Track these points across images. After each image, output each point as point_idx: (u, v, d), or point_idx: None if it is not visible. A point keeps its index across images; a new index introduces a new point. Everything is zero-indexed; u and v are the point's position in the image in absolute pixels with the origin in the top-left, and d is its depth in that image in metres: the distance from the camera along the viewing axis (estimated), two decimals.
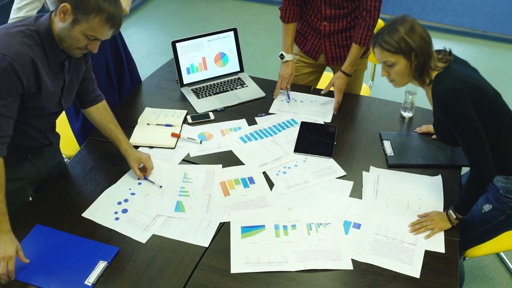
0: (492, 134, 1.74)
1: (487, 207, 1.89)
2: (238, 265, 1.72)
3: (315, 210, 1.92)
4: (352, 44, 2.43)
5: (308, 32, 2.57)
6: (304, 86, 2.69)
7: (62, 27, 1.67)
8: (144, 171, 2.06)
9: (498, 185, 1.85)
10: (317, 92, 2.60)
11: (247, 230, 1.85)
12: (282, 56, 2.54)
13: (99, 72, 2.55)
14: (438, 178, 2.05)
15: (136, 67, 2.80)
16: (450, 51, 1.85)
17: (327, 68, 2.74)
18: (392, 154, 2.16)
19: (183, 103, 2.53)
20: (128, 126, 2.30)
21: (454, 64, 1.81)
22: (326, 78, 2.93)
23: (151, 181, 2.03)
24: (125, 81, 2.71)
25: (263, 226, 1.86)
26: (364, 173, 2.09)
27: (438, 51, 1.84)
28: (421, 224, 1.83)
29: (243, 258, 1.74)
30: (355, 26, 2.44)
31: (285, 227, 1.85)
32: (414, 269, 1.70)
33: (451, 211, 1.82)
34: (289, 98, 2.50)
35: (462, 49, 4.63)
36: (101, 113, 2.08)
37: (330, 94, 2.56)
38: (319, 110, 2.46)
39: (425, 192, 1.98)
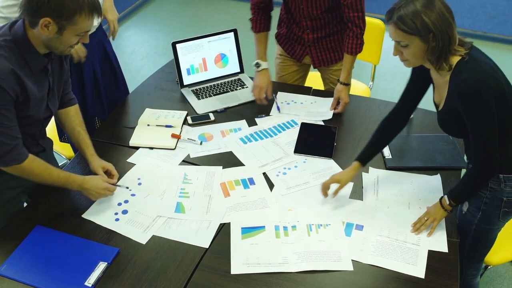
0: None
1: (465, 207, 1.87)
2: (238, 266, 1.72)
3: (315, 211, 1.92)
4: (344, 55, 2.41)
5: (293, 38, 2.58)
6: (304, 87, 2.69)
7: (49, 38, 1.64)
8: (110, 177, 2.00)
9: None
10: (317, 93, 2.60)
11: (247, 231, 1.85)
12: (258, 65, 2.49)
13: (88, 82, 2.55)
14: (437, 177, 2.05)
15: (125, 80, 2.81)
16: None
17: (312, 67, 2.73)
18: (390, 156, 2.16)
19: (183, 104, 2.53)
20: (128, 127, 2.29)
21: (475, 51, 1.67)
22: (313, 77, 2.93)
23: (118, 185, 1.99)
24: (114, 92, 2.72)
25: (263, 227, 1.86)
26: (363, 174, 2.09)
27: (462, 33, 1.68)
28: (421, 222, 1.83)
29: (243, 259, 1.74)
30: (340, 30, 2.45)
31: (285, 228, 1.85)
32: (418, 270, 1.70)
33: (446, 197, 1.81)
34: (278, 109, 2.47)
35: None
36: (72, 115, 2.05)
37: (330, 94, 2.56)
38: (319, 111, 2.46)
39: (425, 192, 1.98)
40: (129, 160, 2.17)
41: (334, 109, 2.44)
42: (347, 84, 2.44)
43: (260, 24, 2.49)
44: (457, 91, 1.61)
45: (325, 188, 1.95)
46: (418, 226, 1.82)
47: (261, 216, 1.90)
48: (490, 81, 1.59)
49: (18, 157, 1.74)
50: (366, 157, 1.97)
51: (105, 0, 2.50)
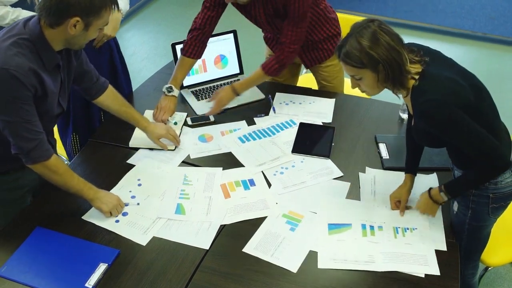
0: None
1: (455, 206, 1.87)
2: (325, 261, 1.73)
3: (401, 213, 1.93)
4: (259, 67, 2.36)
5: (276, 41, 2.57)
6: (303, 88, 2.69)
7: (75, 36, 1.69)
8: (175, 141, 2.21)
9: None
10: (316, 93, 2.61)
11: (334, 227, 1.86)
12: (170, 89, 2.39)
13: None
14: (434, 177, 2.06)
15: (130, 81, 2.78)
16: (421, 48, 1.70)
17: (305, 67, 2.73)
18: (388, 157, 2.16)
19: (183, 105, 2.53)
20: (128, 127, 2.29)
21: (433, 64, 1.67)
22: (306, 77, 2.92)
23: (129, 203, 1.97)
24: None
25: (350, 224, 1.87)
26: (360, 174, 2.10)
27: (411, 49, 1.68)
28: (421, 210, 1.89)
29: (331, 254, 1.75)
30: (312, 30, 2.43)
31: (371, 227, 1.87)
32: (432, 269, 1.71)
33: (442, 193, 1.79)
34: (274, 110, 2.47)
35: (462, 51, 4.63)
36: (112, 99, 2.13)
37: (330, 95, 2.56)
38: (318, 111, 2.46)
39: (422, 191, 1.98)
40: (129, 161, 2.17)
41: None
42: (236, 92, 2.38)
43: (192, 49, 2.40)
44: (419, 114, 1.64)
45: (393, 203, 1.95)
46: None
47: (348, 214, 1.92)
48: (448, 97, 1.59)
49: (45, 153, 1.76)
50: (412, 165, 1.97)
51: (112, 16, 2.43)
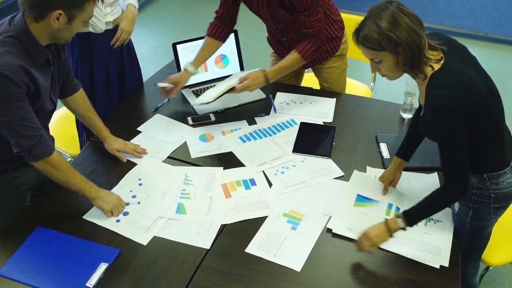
0: (468, 133, 1.66)
1: (457, 206, 1.87)
2: (340, 228, 1.73)
3: (383, 192, 1.96)
4: (293, 52, 2.33)
5: (279, 42, 2.58)
6: (303, 87, 2.69)
7: (59, 29, 1.67)
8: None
9: None
10: (317, 93, 2.61)
11: (362, 199, 1.89)
12: (186, 66, 2.41)
13: (98, 79, 2.53)
14: (434, 175, 2.06)
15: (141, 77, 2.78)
16: (446, 40, 1.68)
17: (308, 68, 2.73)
18: (389, 156, 2.15)
19: (183, 104, 2.53)
20: (128, 127, 2.29)
21: (449, 56, 1.64)
22: (308, 77, 2.92)
23: (129, 203, 1.97)
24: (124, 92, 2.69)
25: (378, 201, 1.91)
26: (361, 173, 2.09)
27: (432, 36, 1.67)
28: (363, 245, 1.71)
29: (348, 224, 1.75)
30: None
31: (398, 208, 1.89)
32: (443, 259, 1.72)
33: (400, 220, 1.69)
34: (275, 109, 2.47)
35: None
36: (80, 102, 2.09)
37: (330, 95, 2.56)
38: (319, 111, 2.46)
39: (423, 191, 1.98)
40: (130, 159, 2.17)
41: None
42: (267, 79, 2.35)
43: (216, 30, 2.41)
44: (429, 106, 1.63)
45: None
46: (362, 246, 1.71)
47: (380, 192, 1.96)
48: (461, 99, 1.57)
49: (48, 149, 1.75)
50: (404, 150, 1.95)
51: (126, 11, 2.46)
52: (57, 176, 1.81)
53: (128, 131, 2.32)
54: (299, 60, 2.35)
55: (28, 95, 1.70)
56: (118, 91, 2.63)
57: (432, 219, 1.86)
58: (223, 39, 2.45)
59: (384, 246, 1.72)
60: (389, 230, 1.69)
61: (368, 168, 2.12)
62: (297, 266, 1.72)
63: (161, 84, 2.39)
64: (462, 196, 1.71)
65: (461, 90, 1.58)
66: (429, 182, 2.01)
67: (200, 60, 2.45)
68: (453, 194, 1.70)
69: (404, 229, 1.69)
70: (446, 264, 1.71)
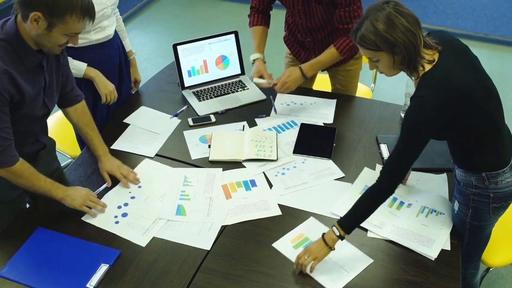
0: (465, 133, 1.68)
1: (456, 206, 1.86)
2: (342, 211, 1.72)
3: (437, 196, 1.96)
4: (331, 47, 2.34)
5: (297, 42, 2.58)
6: (303, 88, 2.68)
7: (38, 34, 1.64)
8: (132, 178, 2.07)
9: (459, 178, 1.83)
10: (317, 94, 2.61)
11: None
12: (253, 58, 2.46)
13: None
14: (444, 176, 2.05)
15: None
16: (442, 37, 1.68)
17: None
18: None
19: (184, 105, 2.53)
20: (114, 121, 2.29)
21: (446, 55, 1.64)
22: (322, 79, 2.92)
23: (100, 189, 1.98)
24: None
25: None
26: (360, 174, 2.09)
27: (435, 34, 1.69)
28: (301, 260, 1.68)
29: (348, 206, 1.71)
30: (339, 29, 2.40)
31: (401, 203, 1.93)
32: (433, 251, 1.75)
33: (335, 228, 1.67)
34: (275, 110, 2.47)
35: None
36: (79, 115, 2.05)
37: (329, 95, 2.56)
38: (319, 112, 2.46)
39: (430, 189, 1.98)
40: (130, 159, 2.17)
41: (274, 84, 2.38)
42: (304, 75, 2.37)
43: (255, 19, 2.48)
44: (410, 104, 1.65)
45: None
46: (301, 263, 1.68)
47: None
48: (443, 102, 1.58)
49: (11, 159, 1.73)
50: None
51: (133, 60, 2.55)
52: (20, 182, 1.79)
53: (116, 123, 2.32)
54: (337, 56, 2.35)
55: (11, 103, 1.68)
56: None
57: (435, 211, 1.87)
58: (266, 24, 2.49)
59: (377, 231, 1.74)
60: (327, 242, 1.68)
61: (365, 168, 2.12)
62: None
63: (257, 81, 2.42)
64: (389, 193, 1.70)
65: (445, 94, 1.59)
66: (437, 182, 2.01)
67: (261, 46, 2.46)
68: (381, 190, 1.69)
69: (342, 238, 1.67)
70: (434, 256, 1.73)
